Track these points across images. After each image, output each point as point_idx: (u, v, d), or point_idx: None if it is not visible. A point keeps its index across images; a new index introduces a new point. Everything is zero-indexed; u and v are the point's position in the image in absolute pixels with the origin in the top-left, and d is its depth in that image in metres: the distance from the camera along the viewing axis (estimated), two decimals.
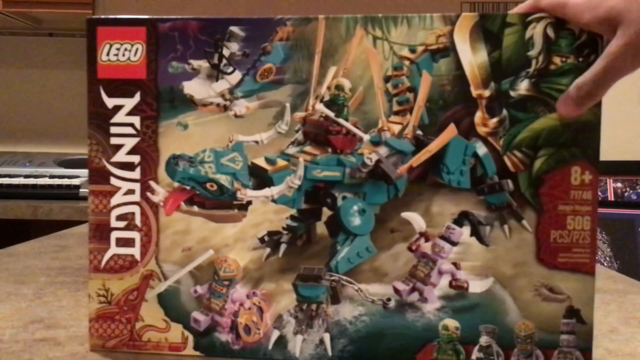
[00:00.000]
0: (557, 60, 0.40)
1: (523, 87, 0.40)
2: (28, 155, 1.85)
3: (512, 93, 0.41)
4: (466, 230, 0.41)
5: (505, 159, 0.41)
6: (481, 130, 0.41)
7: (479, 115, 0.41)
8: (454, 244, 0.41)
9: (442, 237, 0.41)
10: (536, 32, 0.40)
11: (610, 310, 0.57)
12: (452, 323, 0.41)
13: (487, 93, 0.41)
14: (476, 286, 0.41)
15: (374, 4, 0.61)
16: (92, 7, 0.61)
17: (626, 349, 0.46)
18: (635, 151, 2.11)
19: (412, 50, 0.41)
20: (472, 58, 0.41)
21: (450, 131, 0.41)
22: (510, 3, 0.68)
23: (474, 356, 0.41)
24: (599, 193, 2.10)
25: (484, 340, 0.41)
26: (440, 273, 0.41)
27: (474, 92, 0.41)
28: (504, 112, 0.41)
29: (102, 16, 0.44)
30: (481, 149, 0.41)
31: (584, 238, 0.40)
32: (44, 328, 0.50)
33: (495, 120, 0.41)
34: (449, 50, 0.41)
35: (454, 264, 0.41)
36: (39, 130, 1.98)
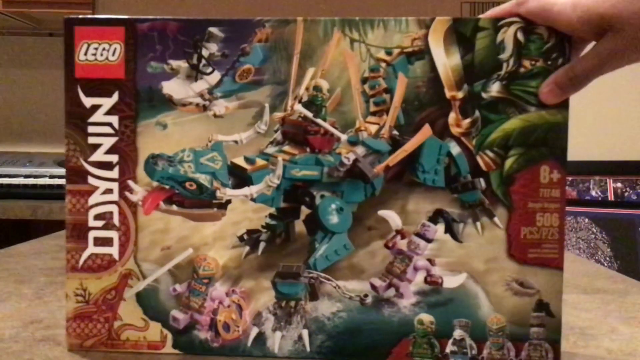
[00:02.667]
0: (527, 63, 0.46)
1: (494, 89, 0.46)
2: (28, 155, 1.95)
3: (484, 95, 0.46)
4: (440, 227, 0.47)
5: (478, 158, 0.47)
6: (455, 130, 0.47)
7: (452, 116, 0.47)
8: (429, 240, 0.47)
9: (418, 234, 0.47)
10: (507, 36, 0.46)
11: (610, 310, 0.63)
12: (427, 318, 0.47)
13: (460, 95, 0.46)
14: (450, 281, 0.47)
15: (375, 2, 0.66)
16: (92, 7, 0.66)
17: (626, 349, 0.51)
18: (635, 151, 2.20)
19: (388, 53, 0.47)
20: (446, 61, 0.46)
21: (425, 131, 0.47)
22: None
23: (448, 349, 0.47)
24: (599, 193, 2.20)
25: (457, 333, 0.47)
26: (416, 269, 0.47)
27: (448, 94, 0.46)
28: (477, 113, 0.46)
29: (80, 16, 0.49)
30: (455, 149, 0.47)
31: (553, 234, 0.46)
32: (44, 328, 0.55)
33: (468, 121, 0.47)
34: (423, 53, 0.46)
35: (429, 260, 0.47)
36: (39, 130, 2.10)
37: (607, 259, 2.09)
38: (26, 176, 1.77)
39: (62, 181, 1.73)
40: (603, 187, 2.17)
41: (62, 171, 1.78)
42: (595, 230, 2.12)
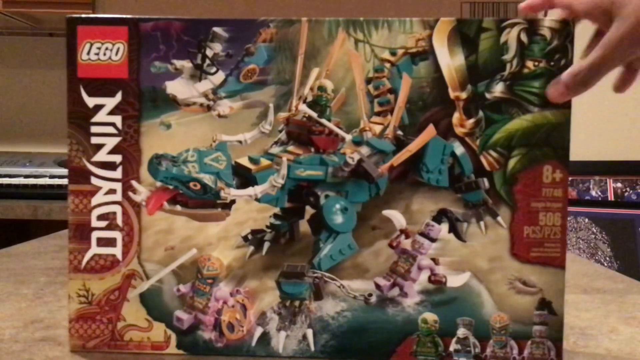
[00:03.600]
0: (530, 64, 0.48)
1: (498, 89, 0.48)
2: (28, 155, 2.01)
3: (487, 95, 0.48)
4: (444, 226, 0.49)
5: (482, 158, 0.48)
6: (459, 130, 0.49)
7: (456, 117, 0.48)
8: (433, 240, 0.49)
9: (422, 234, 0.49)
10: (510, 37, 0.48)
11: (610, 310, 0.65)
12: (431, 316, 0.49)
13: (464, 95, 0.48)
14: (454, 280, 0.48)
15: (376, 2, 0.68)
16: (92, 7, 0.67)
17: (626, 349, 0.53)
18: (635, 151, 2.24)
19: (393, 53, 0.48)
20: (450, 61, 0.48)
21: (430, 131, 0.49)
22: (510, 3, 0.76)
23: (451, 348, 0.49)
24: (599, 193, 2.23)
25: (461, 332, 0.49)
26: (420, 268, 0.49)
27: (452, 94, 0.48)
28: (480, 113, 0.48)
29: (83, 15, 0.50)
30: (459, 149, 0.49)
31: (555, 233, 0.48)
32: (44, 328, 0.56)
33: (471, 121, 0.48)
34: (428, 53, 0.48)
35: (433, 259, 0.49)
36: (39, 130, 2.16)
37: (607, 259, 2.12)
38: (26, 176, 1.82)
39: (62, 181, 1.78)
40: (603, 187, 2.21)
41: (62, 171, 1.83)
42: (595, 230, 2.16)
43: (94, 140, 0.50)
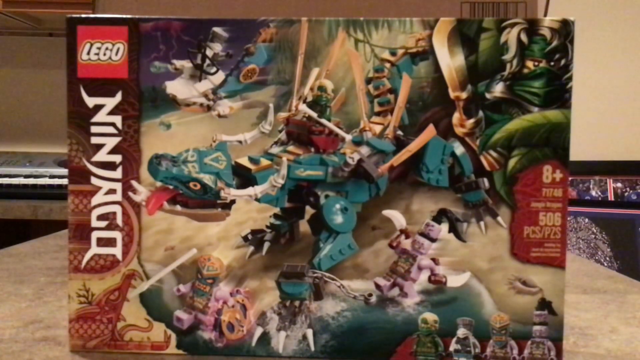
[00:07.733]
0: (530, 64, 0.48)
1: (498, 89, 0.48)
2: (28, 155, 2.04)
3: (487, 95, 0.48)
4: (444, 227, 0.49)
5: (482, 158, 0.48)
6: (459, 130, 0.48)
7: (456, 117, 0.48)
8: (433, 240, 0.49)
9: (422, 234, 0.49)
10: (510, 37, 0.48)
11: (610, 310, 0.65)
12: (431, 316, 0.49)
13: (464, 95, 0.48)
14: (454, 281, 0.48)
15: (375, 2, 0.68)
16: (92, 7, 0.67)
17: (626, 349, 0.53)
18: (635, 151, 2.24)
19: (393, 53, 0.48)
20: (450, 61, 0.48)
21: (430, 131, 0.49)
22: (510, 3, 0.76)
23: (451, 348, 0.49)
24: (599, 193, 2.23)
25: (461, 332, 0.49)
26: (420, 268, 0.49)
27: (452, 94, 0.48)
28: (480, 113, 0.48)
29: (83, 15, 0.50)
30: (459, 149, 0.49)
31: (555, 233, 0.48)
32: (44, 328, 0.56)
33: (471, 121, 0.48)
34: (428, 53, 0.48)
35: (433, 259, 0.49)
36: (39, 130, 2.19)
37: (607, 259, 2.12)
38: (26, 176, 1.84)
39: (62, 181, 1.81)
40: (603, 187, 2.21)
41: (62, 171, 1.85)
42: (595, 230, 2.16)
43: (94, 140, 0.50)
